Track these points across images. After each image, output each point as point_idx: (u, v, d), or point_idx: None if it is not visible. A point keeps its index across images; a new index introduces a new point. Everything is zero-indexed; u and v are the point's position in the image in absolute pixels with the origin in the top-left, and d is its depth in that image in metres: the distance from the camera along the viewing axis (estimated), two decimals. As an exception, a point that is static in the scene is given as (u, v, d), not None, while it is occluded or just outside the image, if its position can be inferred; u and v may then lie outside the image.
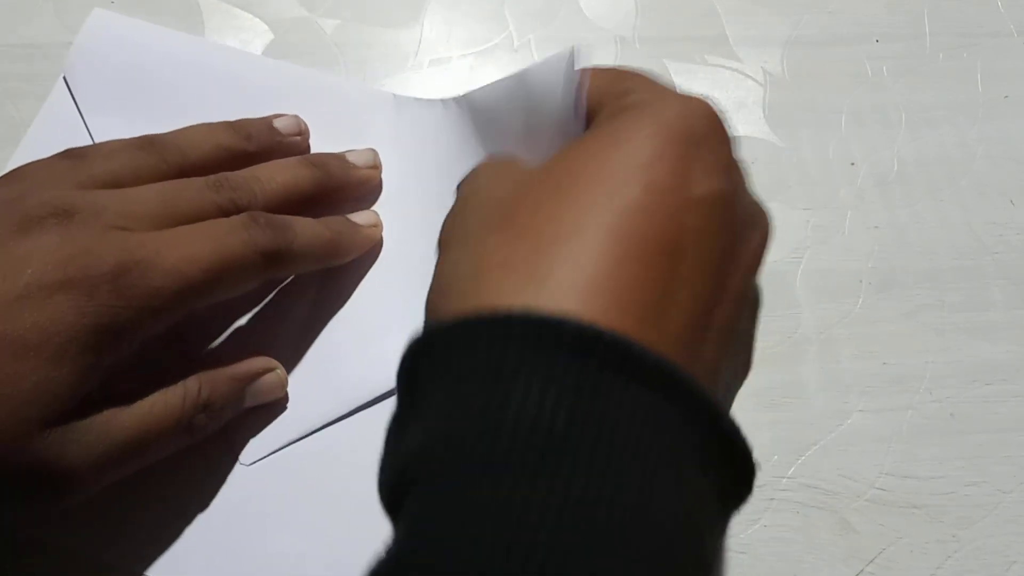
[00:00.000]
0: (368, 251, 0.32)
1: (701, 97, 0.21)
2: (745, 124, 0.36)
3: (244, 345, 0.30)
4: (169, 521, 0.28)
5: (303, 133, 0.32)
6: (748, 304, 0.22)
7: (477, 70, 0.36)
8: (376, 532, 0.27)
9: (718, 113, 0.21)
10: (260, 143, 0.30)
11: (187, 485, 0.28)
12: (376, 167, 0.33)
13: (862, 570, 0.29)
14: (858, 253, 0.34)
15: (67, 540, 0.28)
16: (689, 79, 0.37)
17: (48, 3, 0.36)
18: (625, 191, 0.19)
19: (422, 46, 0.37)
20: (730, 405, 0.23)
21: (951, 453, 0.31)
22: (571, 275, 0.17)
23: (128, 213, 0.25)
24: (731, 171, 0.20)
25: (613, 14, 0.38)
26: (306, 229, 0.28)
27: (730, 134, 0.21)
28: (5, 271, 0.23)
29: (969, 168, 0.36)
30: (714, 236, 0.19)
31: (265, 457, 0.29)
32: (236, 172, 0.29)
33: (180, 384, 0.26)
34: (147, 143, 0.28)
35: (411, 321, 0.26)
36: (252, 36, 0.36)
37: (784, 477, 0.30)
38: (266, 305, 0.31)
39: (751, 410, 0.31)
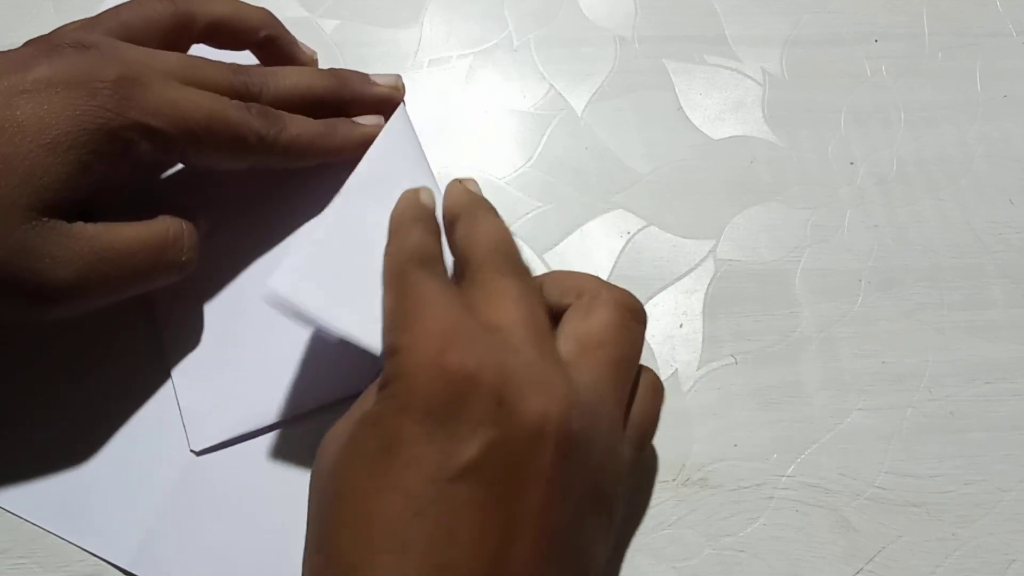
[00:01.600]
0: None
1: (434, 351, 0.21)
2: (744, 124, 0.36)
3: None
4: (111, 498, 0.28)
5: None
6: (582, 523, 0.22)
7: (477, 70, 0.37)
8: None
9: (454, 370, 0.21)
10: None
11: (137, 466, 0.29)
12: (398, 88, 0.33)
13: (862, 568, 0.29)
14: (858, 252, 0.34)
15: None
16: (688, 79, 0.37)
17: (48, 3, 0.36)
18: (400, 502, 0.20)
19: (422, 46, 0.37)
20: None
21: (951, 452, 0.31)
22: None
23: (145, 59, 0.26)
24: (499, 416, 0.20)
25: (613, 14, 0.38)
26: (298, 121, 0.30)
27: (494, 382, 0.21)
28: (17, 71, 0.24)
29: (969, 167, 0.36)
30: (493, 497, 0.20)
31: (216, 448, 0.29)
32: (255, 66, 0.30)
33: (165, 218, 0.27)
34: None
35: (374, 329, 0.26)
36: (252, 36, 0.36)
37: (784, 476, 0.30)
38: (238, 300, 0.31)
39: (751, 409, 0.31)
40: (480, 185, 0.34)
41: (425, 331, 0.22)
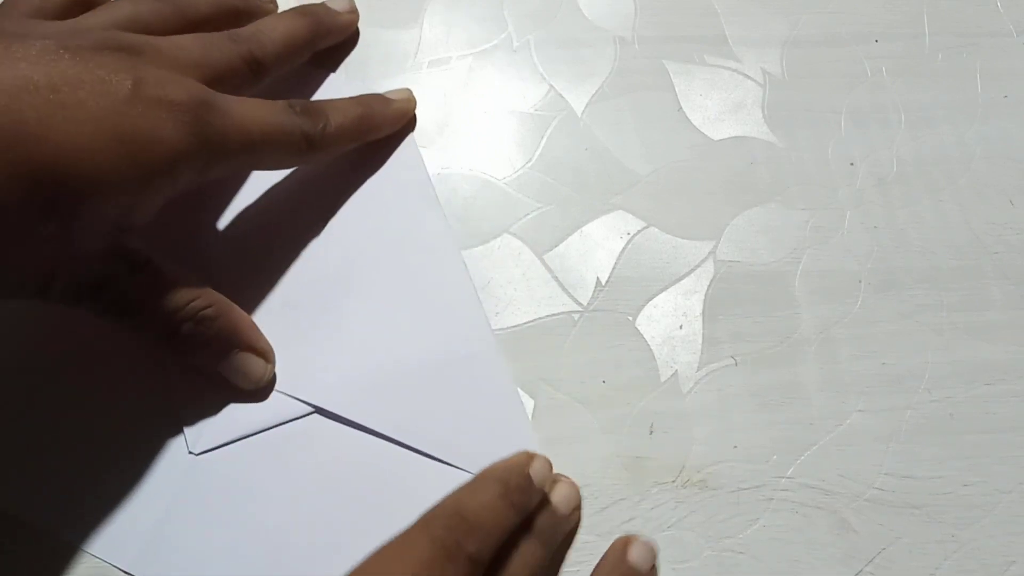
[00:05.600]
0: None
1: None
2: (744, 124, 0.36)
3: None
4: (111, 499, 0.28)
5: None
6: None
7: (476, 70, 0.36)
8: (317, 539, 0.28)
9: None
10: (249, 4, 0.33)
11: (138, 468, 0.29)
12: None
13: (861, 570, 0.29)
14: (857, 253, 0.34)
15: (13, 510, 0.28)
16: (688, 79, 0.37)
17: (47, 4, 0.36)
18: None
19: (422, 46, 0.37)
20: None
21: (950, 453, 0.31)
22: None
23: (177, 59, 0.26)
24: None
25: (612, 14, 0.38)
26: (338, 110, 0.31)
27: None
28: (110, 78, 0.24)
29: (968, 168, 0.36)
30: None
31: (214, 449, 0.29)
32: (242, 28, 0.30)
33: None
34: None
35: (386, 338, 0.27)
36: (251, 37, 0.36)
37: (783, 477, 0.30)
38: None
39: (750, 410, 0.31)
40: (480, 185, 0.34)
41: None
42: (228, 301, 0.29)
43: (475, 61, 0.37)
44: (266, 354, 0.29)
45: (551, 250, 0.33)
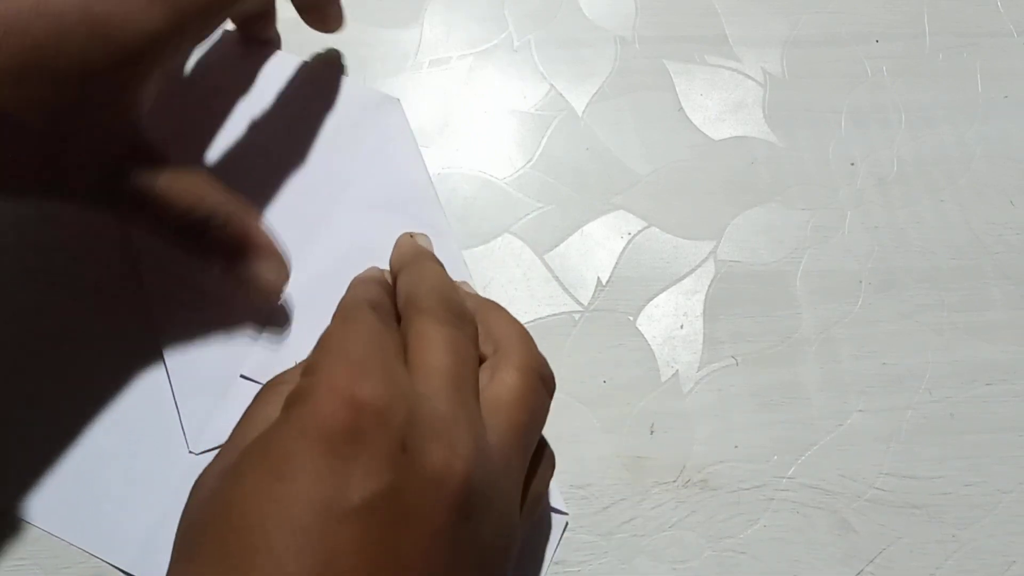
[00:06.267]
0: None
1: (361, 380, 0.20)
2: (745, 124, 0.36)
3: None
4: (111, 500, 0.28)
5: None
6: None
7: (477, 70, 0.36)
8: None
9: (380, 395, 0.20)
10: None
11: (138, 468, 0.29)
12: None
13: (862, 570, 0.29)
14: (858, 253, 0.34)
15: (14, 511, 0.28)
16: (689, 79, 0.37)
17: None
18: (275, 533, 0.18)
19: (422, 46, 0.37)
20: None
21: (951, 453, 0.31)
22: None
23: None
24: (401, 461, 0.19)
25: (613, 14, 0.38)
26: None
27: (407, 417, 0.20)
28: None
29: (968, 168, 0.36)
30: (381, 542, 0.19)
31: (215, 449, 0.29)
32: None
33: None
34: None
35: None
36: (252, 36, 0.36)
37: (784, 477, 0.30)
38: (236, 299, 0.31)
39: (751, 410, 0.31)
40: (480, 185, 0.34)
41: (346, 357, 0.21)
42: (245, 203, 0.28)
43: (475, 61, 0.37)
44: (282, 261, 0.29)
45: (552, 250, 0.33)
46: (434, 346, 0.23)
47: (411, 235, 0.30)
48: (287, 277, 0.30)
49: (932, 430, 0.31)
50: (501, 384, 0.23)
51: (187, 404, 0.29)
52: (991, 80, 0.38)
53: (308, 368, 0.21)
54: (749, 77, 0.37)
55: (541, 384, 0.24)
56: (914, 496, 0.30)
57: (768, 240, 0.34)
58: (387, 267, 0.29)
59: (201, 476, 0.22)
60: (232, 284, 0.29)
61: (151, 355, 0.30)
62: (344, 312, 0.24)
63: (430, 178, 0.34)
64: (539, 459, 0.25)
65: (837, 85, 0.37)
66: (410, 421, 0.20)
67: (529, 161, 0.35)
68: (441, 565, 0.20)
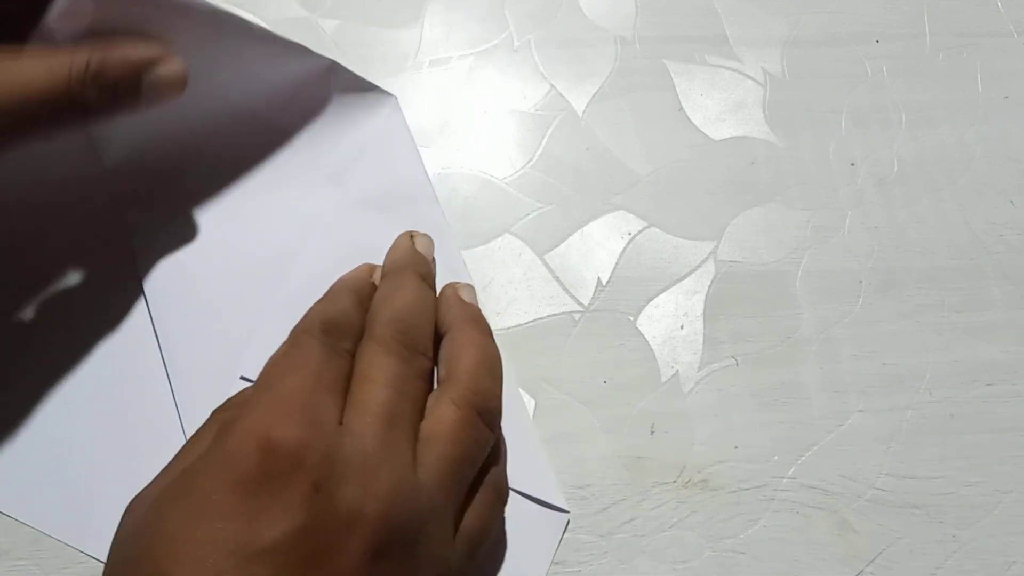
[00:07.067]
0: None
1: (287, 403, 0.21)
2: (745, 124, 0.36)
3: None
4: (110, 501, 0.28)
5: None
6: None
7: (477, 70, 0.36)
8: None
9: (296, 424, 0.20)
10: None
11: (137, 469, 0.28)
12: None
13: (862, 570, 0.29)
14: (858, 253, 0.34)
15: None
16: (689, 79, 0.37)
17: (47, 3, 0.36)
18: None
19: (422, 46, 0.37)
20: None
21: (951, 453, 0.31)
22: None
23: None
24: (314, 501, 0.20)
25: (613, 14, 0.38)
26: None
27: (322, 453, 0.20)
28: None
29: (969, 168, 0.36)
30: None
31: None
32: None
33: (67, 52, 0.24)
34: None
35: None
36: (252, 36, 0.36)
37: (784, 477, 0.30)
38: (236, 300, 0.31)
39: (751, 410, 0.31)
40: (480, 185, 0.34)
41: (274, 394, 0.21)
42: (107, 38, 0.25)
43: (476, 61, 0.37)
44: (164, 59, 0.26)
45: (552, 250, 0.33)
46: (376, 379, 0.23)
47: (411, 235, 0.30)
48: (182, 66, 0.27)
49: (932, 430, 0.31)
50: (436, 419, 0.23)
51: (187, 404, 0.29)
52: (991, 80, 0.38)
53: (243, 400, 0.22)
54: (749, 77, 0.37)
55: (477, 418, 0.24)
56: (914, 496, 0.30)
57: (768, 240, 0.34)
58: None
59: (135, 500, 0.22)
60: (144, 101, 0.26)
61: (151, 355, 0.30)
62: (293, 337, 0.24)
63: (428, 176, 0.34)
64: (475, 491, 0.24)
65: (837, 85, 0.37)
66: (327, 461, 0.20)
67: (529, 161, 0.35)
68: None
